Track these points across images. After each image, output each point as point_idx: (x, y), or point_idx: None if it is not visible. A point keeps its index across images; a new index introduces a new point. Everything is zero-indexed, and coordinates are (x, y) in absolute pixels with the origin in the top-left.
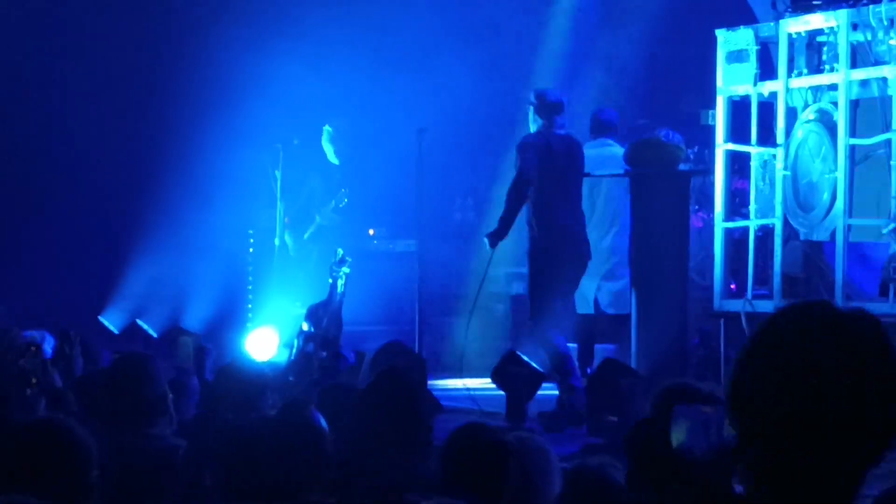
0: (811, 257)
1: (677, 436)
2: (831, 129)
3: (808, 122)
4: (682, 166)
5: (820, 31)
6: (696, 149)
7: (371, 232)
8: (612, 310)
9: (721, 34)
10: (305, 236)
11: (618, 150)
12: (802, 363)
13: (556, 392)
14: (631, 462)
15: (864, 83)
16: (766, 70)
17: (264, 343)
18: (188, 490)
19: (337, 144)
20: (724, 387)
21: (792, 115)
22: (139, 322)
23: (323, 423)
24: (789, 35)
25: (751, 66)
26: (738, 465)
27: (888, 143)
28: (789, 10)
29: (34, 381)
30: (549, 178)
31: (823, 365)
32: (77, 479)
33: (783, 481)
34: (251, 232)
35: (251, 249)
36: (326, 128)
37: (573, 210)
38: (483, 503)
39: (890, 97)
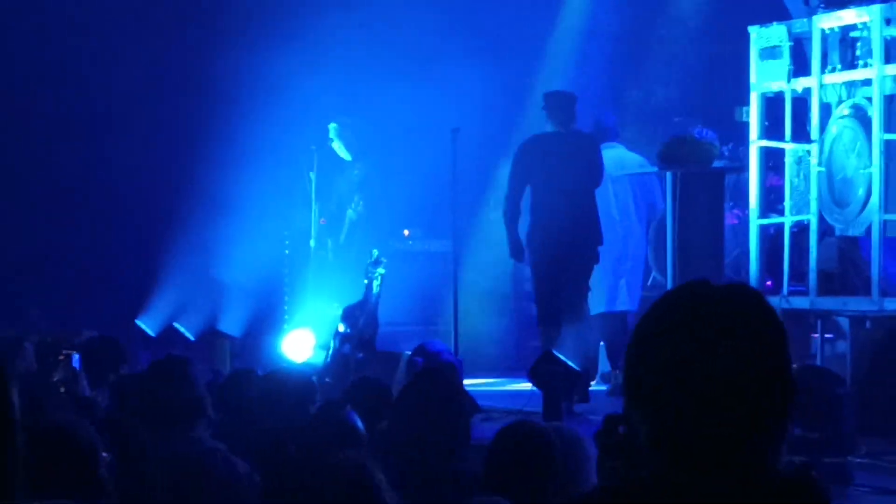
0: (847, 253)
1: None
2: (866, 124)
3: (842, 117)
4: (716, 163)
5: (853, 27)
6: (730, 146)
7: (406, 233)
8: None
9: (754, 31)
10: (341, 239)
11: (623, 151)
12: (682, 344)
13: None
14: (601, 453)
15: None
16: (800, 66)
17: (301, 345)
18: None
19: (345, 140)
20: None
21: (826, 110)
22: (176, 325)
23: (359, 423)
24: (822, 31)
25: (784, 63)
26: (645, 453)
27: None
28: (822, 5)
29: (63, 389)
30: (540, 179)
31: (703, 343)
32: (85, 477)
33: (685, 464)
34: (287, 234)
35: (287, 251)
36: (332, 125)
37: (570, 205)
38: (528, 500)
39: None
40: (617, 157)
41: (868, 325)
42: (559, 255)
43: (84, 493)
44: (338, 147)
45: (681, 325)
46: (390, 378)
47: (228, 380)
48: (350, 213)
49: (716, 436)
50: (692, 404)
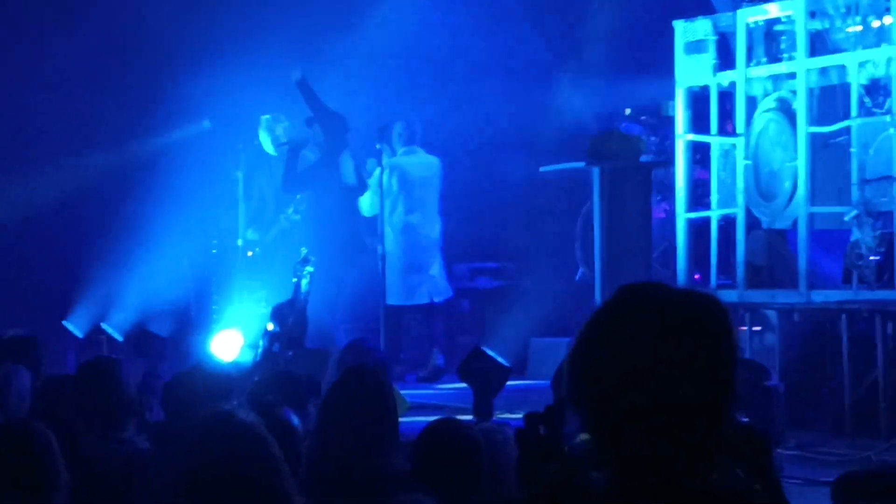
0: (774, 246)
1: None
2: (791, 117)
3: (767, 110)
4: (643, 158)
5: (778, 20)
6: (656, 140)
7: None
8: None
9: (679, 25)
10: (269, 237)
11: (424, 154)
12: (629, 346)
13: (515, 384)
14: (521, 451)
15: (823, 71)
16: (725, 60)
17: (229, 344)
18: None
19: (273, 134)
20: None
21: (752, 104)
22: (104, 325)
23: (295, 421)
24: (747, 24)
25: (709, 57)
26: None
27: (848, 130)
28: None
29: None
30: None
31: (648, 347)
32: (46, 481)
33: (624, 465)
34: (214, 233)
35: (214, 250)
36: (265, 117)
37: None
38: (455, 498)
39: (848, 84)
40: (422, 159)
41: (796, 317)
42: None
43: (39, 492)
44: (264, 140)
45: (623, 331)
46: (320, 376)
47: (172, 379)
48: (288, 215)
49: (651, 447)
50: (627, 414)
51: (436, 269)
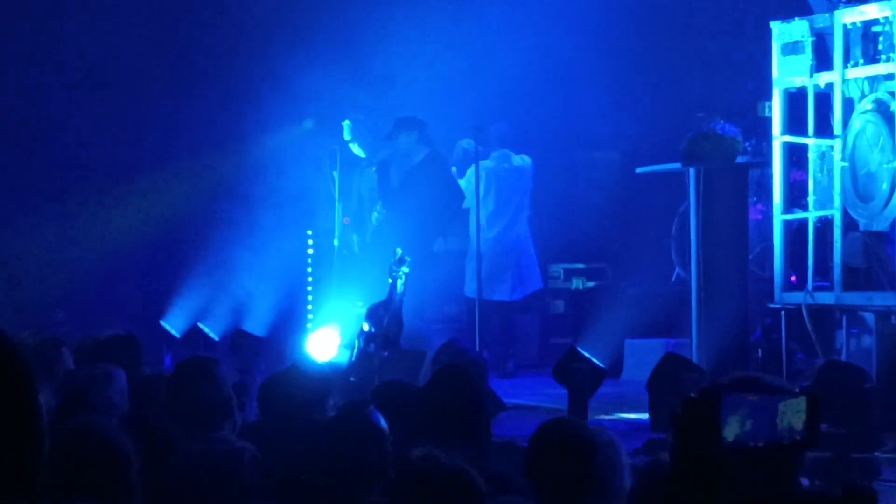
0: (871, 248)
1: (731, 425)
2: (889, 118)
3: (865, 112)
4: (739, 159)
5: (875, 21)
6: (753, 141)
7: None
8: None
9: (776, 26)
10: (367, 238)
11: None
12: None
13: (610, 385)
14: (675, 434)
15: None
16: (822, 61)
17: (325, 344)
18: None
19: (360, 138)
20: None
21: (849, 105)
22: (200, 326)
23: (383, 423)
24: (844, 25)
25: (806, 58)
26: None
27: None
28: (844, 0)
29: None
30: None
31: None
32: (116, 480)
33: None
34: (310, 233)
35: (310, 251)
36: (346, 123)
37: None
38: (565, 498)
39: None
40: (514, 163)
41: (893, 319)
42: None
43: (114, 497)
44: (352, 145)
45: None
46: (415, 377)
47: (268, 379)
48: (375, 215)
49: None
50: None
51: (520, 267)
